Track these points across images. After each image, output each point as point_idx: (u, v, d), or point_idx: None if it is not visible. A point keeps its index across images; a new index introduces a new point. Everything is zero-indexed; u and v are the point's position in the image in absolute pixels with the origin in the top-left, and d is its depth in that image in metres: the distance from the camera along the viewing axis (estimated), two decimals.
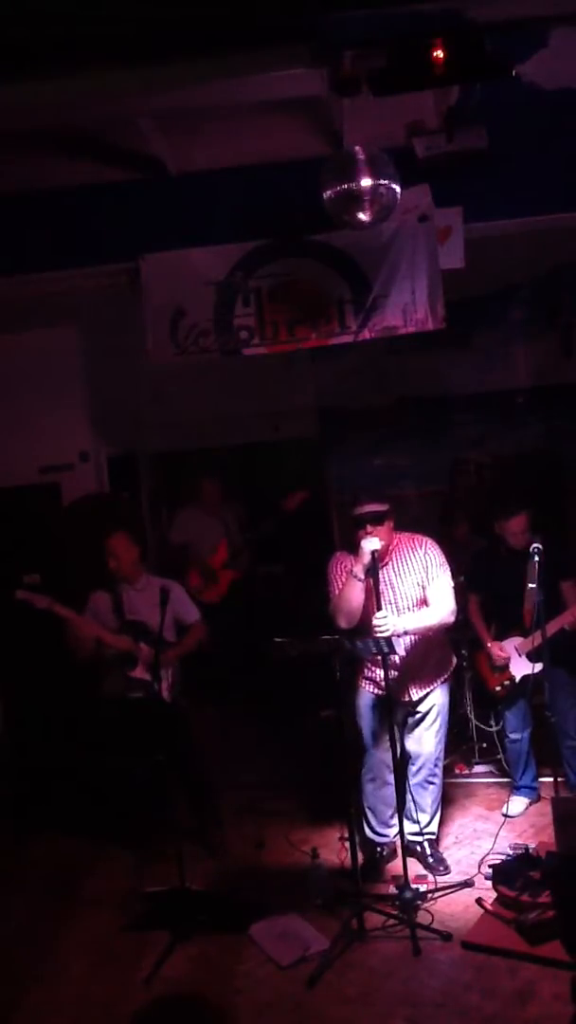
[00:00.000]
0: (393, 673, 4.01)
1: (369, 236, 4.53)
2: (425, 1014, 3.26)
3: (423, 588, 4.15)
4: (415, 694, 4.26)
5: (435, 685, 4.29)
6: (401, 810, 4.06)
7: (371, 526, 4.00)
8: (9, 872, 4.76)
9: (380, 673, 4.18)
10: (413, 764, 4.32)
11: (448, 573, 4.18)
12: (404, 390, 7.13)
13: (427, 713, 4.30)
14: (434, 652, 4.27)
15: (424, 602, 4.16)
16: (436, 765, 4.37)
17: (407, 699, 4.25)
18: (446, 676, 4.36)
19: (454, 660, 4.50)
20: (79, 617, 4.52)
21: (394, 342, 5.15)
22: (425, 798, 4.35)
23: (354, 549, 4.05)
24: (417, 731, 4.32)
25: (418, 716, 4.30)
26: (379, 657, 3.99)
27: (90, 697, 4.97)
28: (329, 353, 5.55)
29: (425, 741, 4.31)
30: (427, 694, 4.27)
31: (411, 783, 4.25)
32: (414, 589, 4.15)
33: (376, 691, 4.30)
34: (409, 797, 4.21)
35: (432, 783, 4.37)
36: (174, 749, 4.35)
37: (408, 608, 4.13)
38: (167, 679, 4.62)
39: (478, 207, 4.65)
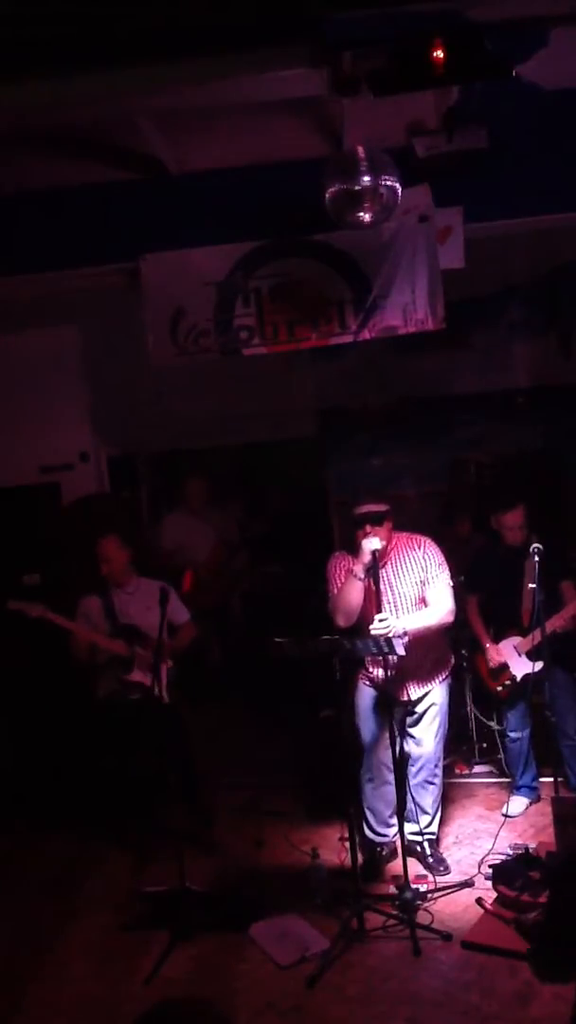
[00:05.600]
0: (392, 672, 4.02)
1: (369, 236, 4.52)
2: (425, 1014, 3.27)
3: (422, 588, 4.16)
4: (414, 693, 4.26)
5: (433, 684, 4.29)
6: (401, 811, 4.06)
7: (370, 526, 4.00)
8: (9, 872, 4.76)
9: (379, 671, 4.19)
10: (413, 765, 4.32)
11: (447, 573, 4.19)
12: (404, 390, 7.12)
13: (426, 712, 4.30)
14: (432, 651, 4.27)
15: (423, 601, 4.16)
16: (436, 766, 4.37)
17: (405, 698, 4.25)
18: (445, 675, 4.36)
19: (452, 659, 4.49)
20: (73, 624, 4.54)
21: (394, 342, 5.14)
22: (425, 799, 4.35)
23: (354, 549, 4.05)
24: (416, 731, 4.32)
25: (417, 716, 4.30)
26: (379, 657, 3.99)
27: (87, 700, 4.98)
28: (329, 353, 5.55)
29: (424, 742, 4.31)
30: (426, 693, 4.28)
31: (411, 784, 4.25)
32: (413, 588, 4.16)
33: (375, 687, 4.30)
34: (409, 798, 4.21)
35: (432, 784, 4.37)
36: (169, 750, 4.35)
37: (407, 608, 4.14)
38: (164, 679, 4.63)
39: (478, 207, 4.64)
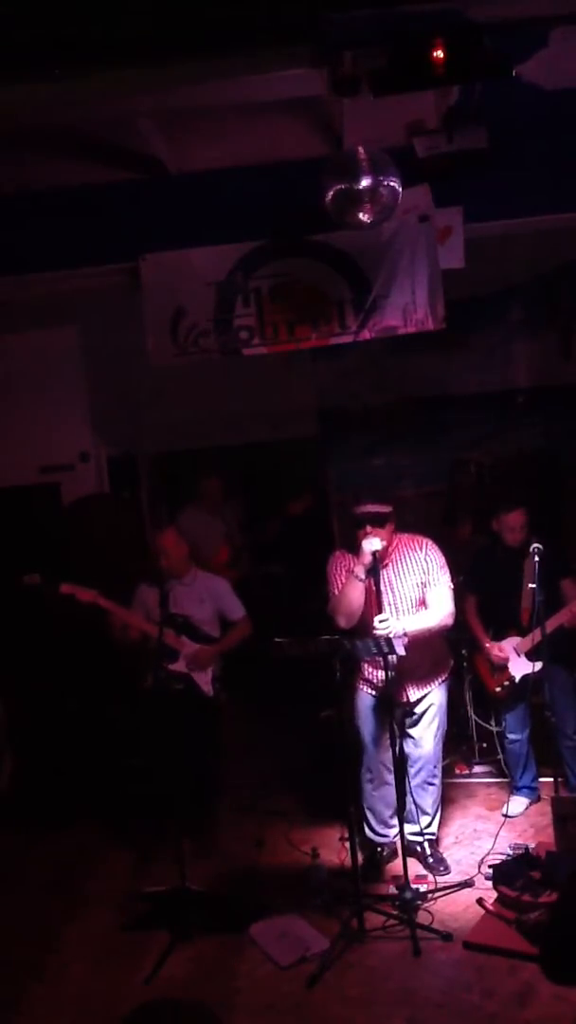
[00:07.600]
0: (391, 674, 4.02)
1: (369, 236, 4.52)
2: (425, 1014, 3.27)
3: (423, 589, 4.15)
4: (413, 694, 4.26)
5: (432, 685, 4.29)
6: (401, 812, 4.05)
7: (372, 527, 3.99)
8: (10, 871, 4.76)
9: (378, 674, 4.19)
10: (412, 766, 4.32)
11: (448, 576, 4.19)
12: (404, 390, 7.13)
13: (425, 713, 4.30)
14: (431, 652, 4.26)
15: (423, 602, 4.16)
16: (435, 766, 4.37)
17: (405, 700, 4.25)
18: (444, 677, 4.36)
19: (452, 661, 4.49)
20: (123, 609, 4.54)
21: (394, 342, 5.14)
22: (425, 800, 4.35)
23: (354, 548, 4.05)
24: (415, 732, 4.32)
25: (415, 717, 4.30)
26: (379, 658, 3.99)
27: (92, 696, 4.96)
28: (329, 353, 5.55)
29: (424, 742, 4.31)
30: (425, 694, 4.28)
31: (411, 785, 4.25)
32: (414, 590, 4.15)
33: (374, 692, 4.30)
34: (409, 799, 4.21)
35: (432, 784, 4.37)
36: (205, 742, 4.38)
37: (408, 609, 4.13)
38: (209, 673, 4.65)
39: (478, 207, 4.64)
